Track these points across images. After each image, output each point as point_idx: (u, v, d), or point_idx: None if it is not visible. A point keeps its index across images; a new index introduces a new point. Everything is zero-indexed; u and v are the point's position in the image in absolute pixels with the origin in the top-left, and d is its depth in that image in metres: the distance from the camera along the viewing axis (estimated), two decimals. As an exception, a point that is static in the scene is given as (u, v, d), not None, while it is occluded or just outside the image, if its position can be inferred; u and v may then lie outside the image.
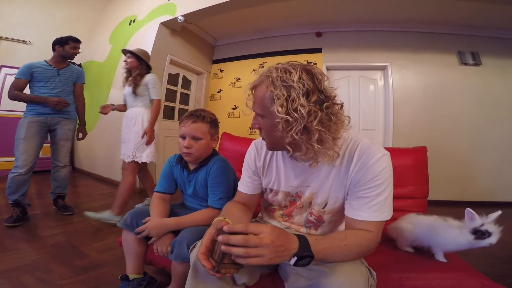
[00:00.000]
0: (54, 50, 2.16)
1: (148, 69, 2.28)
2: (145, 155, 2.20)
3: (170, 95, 3.89)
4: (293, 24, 3.88)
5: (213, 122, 1.16)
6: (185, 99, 4.31)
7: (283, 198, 0.86)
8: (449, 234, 0.91)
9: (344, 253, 0.63)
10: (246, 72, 4.26)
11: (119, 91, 3.48)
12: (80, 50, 2.28)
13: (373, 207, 0.68)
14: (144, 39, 3.48)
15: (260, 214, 1.04)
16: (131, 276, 1.08)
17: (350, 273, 0.60)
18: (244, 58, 4.31)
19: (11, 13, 3.73)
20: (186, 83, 4.30)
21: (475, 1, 2.78)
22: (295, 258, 0.56)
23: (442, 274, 0.86)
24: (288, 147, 0.68)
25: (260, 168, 0.89)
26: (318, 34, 3.84)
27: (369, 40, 3.67)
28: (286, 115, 0.62)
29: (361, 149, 0.72)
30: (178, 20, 3.31)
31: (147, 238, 1.09)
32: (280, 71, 0.65)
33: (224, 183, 1.10)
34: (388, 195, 0.69)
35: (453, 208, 3.06)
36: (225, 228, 0.57)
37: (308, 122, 0.63)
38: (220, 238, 0.55)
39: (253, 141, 0.94)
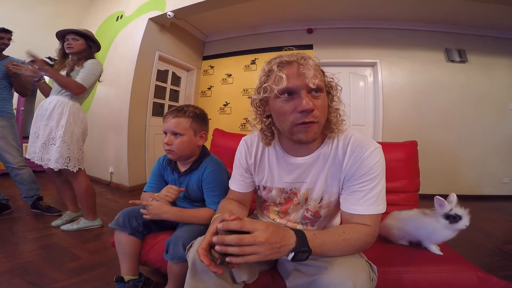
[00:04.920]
0: None
1: (93, 52, 1.94)
2: (54, 160, 1.72)
3: (159, 91, 3.81)
4: (284, 20, 3.86)
5: (197, 117, 1.08)
6: (174, 95, 4.24)
7: (278, 194, 0.85)
8: (429, 226, 0.94)
9: (342, 247, 0.63)
10: (238, 68, 4.23)
11: (105, 88, 3.41)
12: (9, 41, 2.09)
13: (368, 200, 0.68)
14: (132, 36, 3.40)
15: (255, 211, 1.03)
16: (126, 277, 1.04)
17: (351, 268, 0.60)
18: (235, 54, 4.27)
19: (-9, 8, 3.56)
20: (176, 80, 4.24)
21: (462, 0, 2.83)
22: (293, 253, 0.56)
23: (439, 267, 0.87)
24: (335, 119, 0.74)
25: (252, 165, 0.87)
26: (310, 31, 3.85)
27: (360, 37, 3.71)
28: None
29: (354, 143, 0.73)
30: (168, 16, 3.24)
31: (141, 236, 1.06)
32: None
33: (219, 187, 1.05)
34: (382, 187, 0.70)
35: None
36: (219, 225, 0.56)
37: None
38: (215, 238, 0.54)
39: (243, 138, 0.92)
